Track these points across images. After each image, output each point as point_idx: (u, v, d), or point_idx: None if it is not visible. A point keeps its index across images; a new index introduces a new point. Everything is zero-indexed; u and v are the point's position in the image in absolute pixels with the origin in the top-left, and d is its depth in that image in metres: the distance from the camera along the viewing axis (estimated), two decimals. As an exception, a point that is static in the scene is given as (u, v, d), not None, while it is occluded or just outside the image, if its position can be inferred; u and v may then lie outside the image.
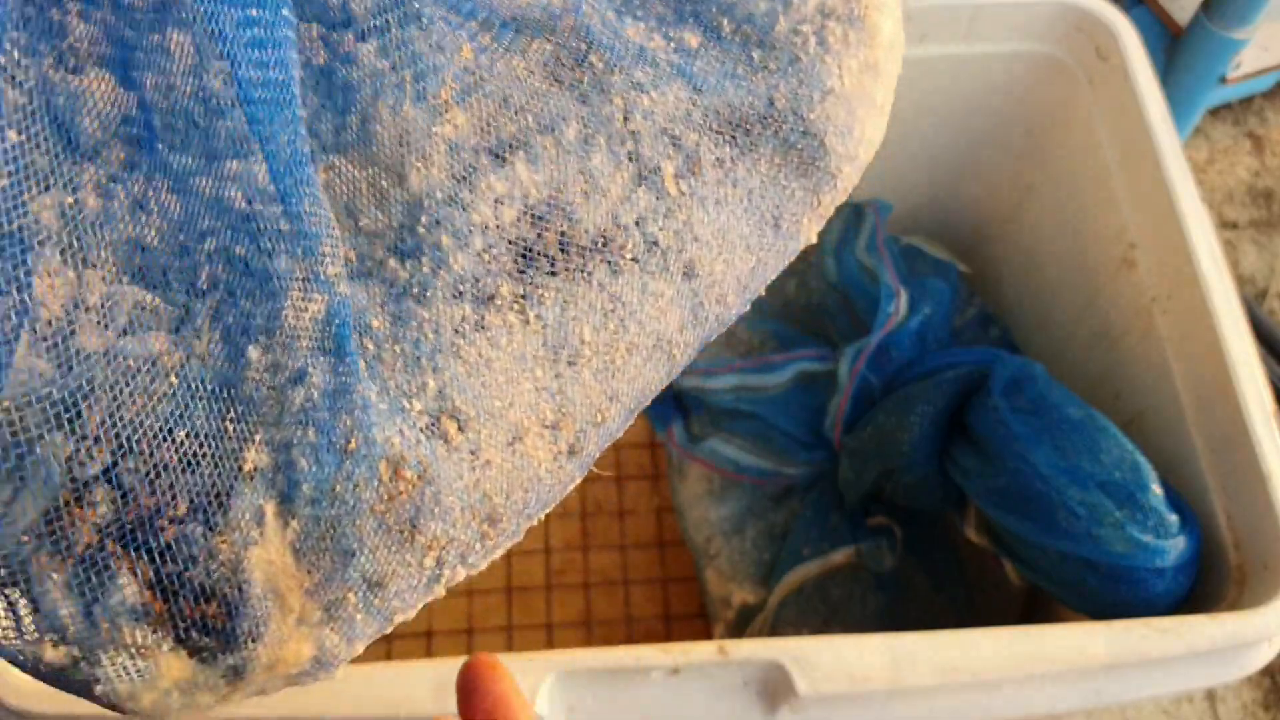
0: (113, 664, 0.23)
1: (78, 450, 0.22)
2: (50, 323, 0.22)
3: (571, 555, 0.94)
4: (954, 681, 0.51)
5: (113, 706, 0.24)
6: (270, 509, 0.24)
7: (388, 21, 0.25)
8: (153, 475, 0.23)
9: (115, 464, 0.22)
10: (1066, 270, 0.85)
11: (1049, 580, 0.69)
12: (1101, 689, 0.54)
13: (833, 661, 0.51)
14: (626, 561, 0.94)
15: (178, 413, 0.23)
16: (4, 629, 0.22)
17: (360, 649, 0.26)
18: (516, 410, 0.27)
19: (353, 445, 0.25)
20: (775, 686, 0.52)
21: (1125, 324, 0.75)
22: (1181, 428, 0.67)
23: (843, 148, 0.31)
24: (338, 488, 0.24)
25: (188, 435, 0.23)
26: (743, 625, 0.82)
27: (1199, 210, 0.68)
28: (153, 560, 0.23)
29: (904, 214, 0.95)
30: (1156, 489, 0.64)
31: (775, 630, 0.79)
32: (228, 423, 0.23)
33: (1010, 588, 0.81)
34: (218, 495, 0.23)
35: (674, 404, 0.90)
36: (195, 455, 0.23)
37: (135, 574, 0.23)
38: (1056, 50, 0.81)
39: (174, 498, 0.23)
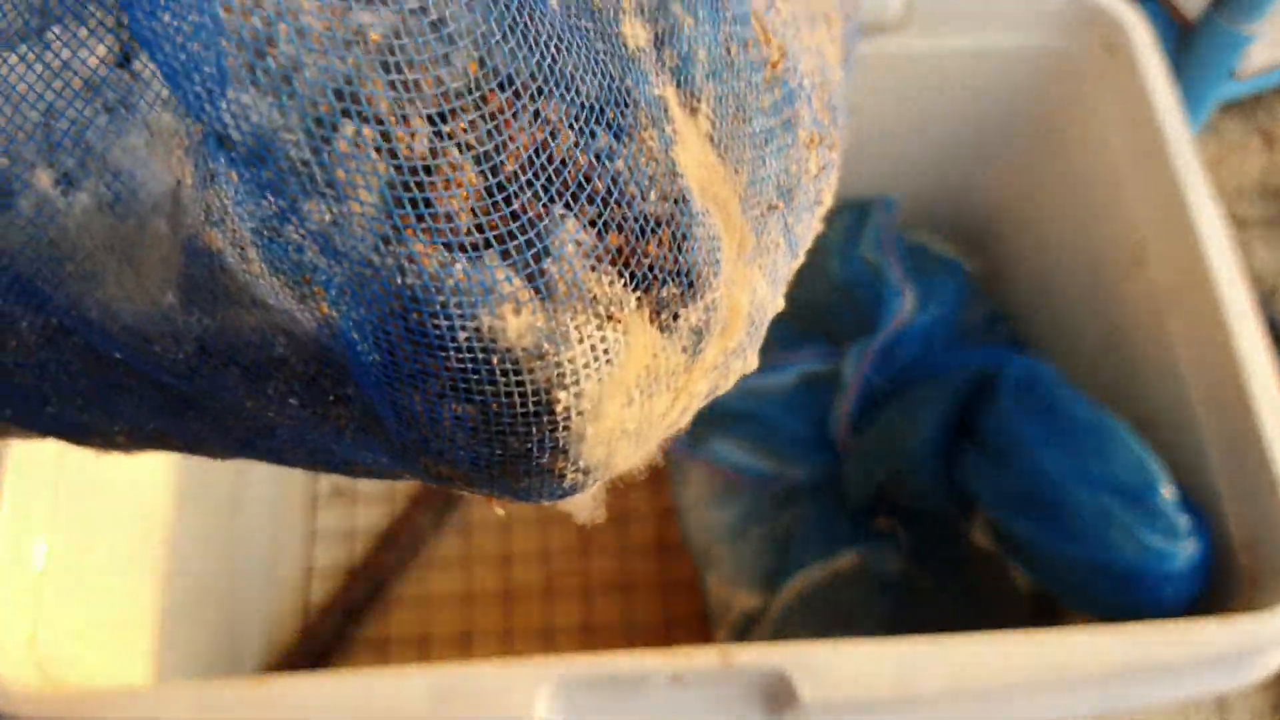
0: (581, 335, 0.19)
1: (383, 131, 0.18)
2: None
3: (571, 560, 0.94)
4: (960, 687, 0.51)
5: (561, 449, 0.20)
6: (671, 95, 0.20)
7: None
8: (515, 116, 0.18)
9: (444, 123, 0.18)
10: (1076, 268, 0.85)
11: (1058, 584, 0.68)
12: (1110, 694, 0.53)
13: (837, 668, 0.50)
14: (626, 566, 0.94)
15: (535, 33, 0.18)
16: (451, 343, 0.18)
17: (781, 305, 0.22)
18: None
19: None
20: (778, 693, 0.51)
21: (1135, 323, 0.75)
22: (1192, 428, 0.66)
23: None
24: (730, 50, 0.21)
25: (560, 44, 0.18)
26: (745, 631, 0.81)
27: (1211, 207, 0.67)
28: (574, 195, 0.19)
29: (910, 210, 0.95)
30: (1167, 491, 0.63)
31: (779, 636, 0.78)
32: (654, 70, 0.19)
33: (1018, 591, 0.80)
34: (614, 91, 0.19)
35: (677, 404, 0.89)
36: (573, 62, 0.19)
37: (566, 214, 0.19)
38: (1066, 44, 0.80)
39: (555, 127, 0.19)
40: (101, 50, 0.18)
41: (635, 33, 0.20)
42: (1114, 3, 0.76)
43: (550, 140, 0.19)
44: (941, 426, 0.76)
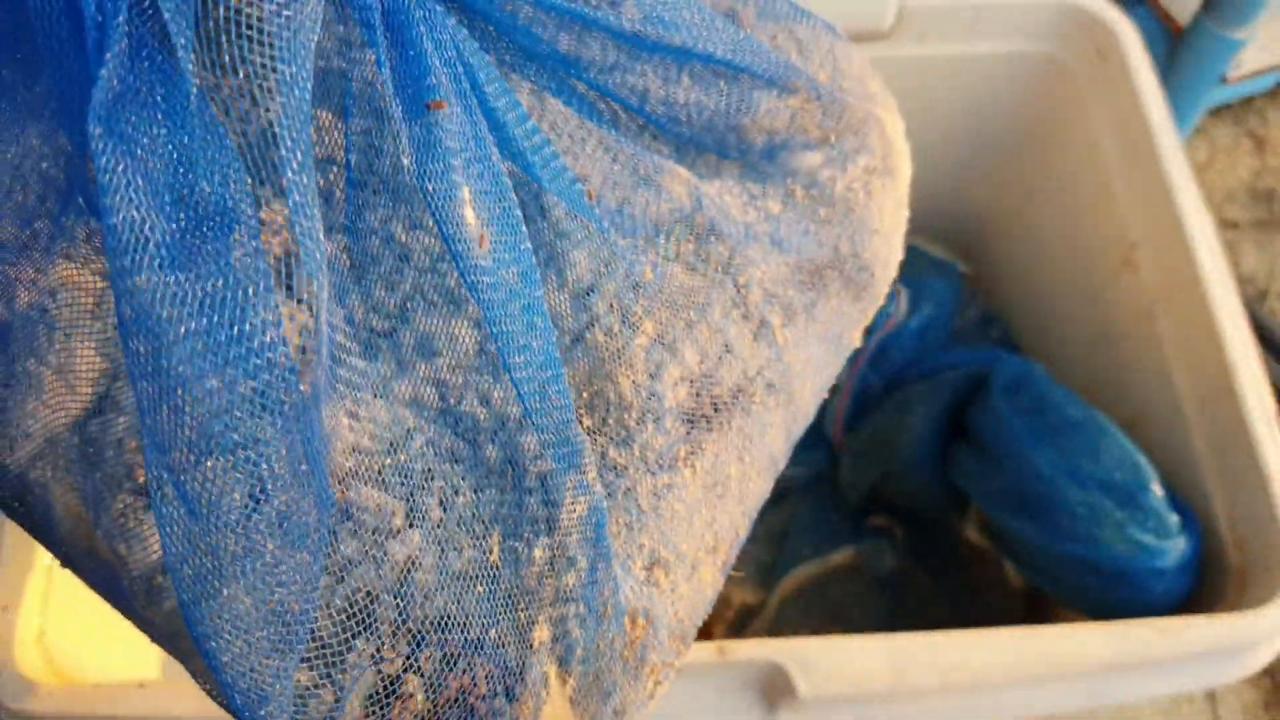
0: None
1: (376, 651, 0.26)
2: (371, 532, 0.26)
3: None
4: (954, 682, 0.51)
5: None
6: (552, 672, 0.29)
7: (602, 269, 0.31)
8: (456, 664, 0.27)
9: (416, 661, 0.26)
10: (1067, 270, 0.85)
11: (1050, 581, 0.69)
12: (1101, 689, 0.54)
13: (833, 662, 0.51)
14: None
15: (483, 615, 0.27)
16: None
17: None
18: (692, 546, 0.33)
19: (608, 610, 0.29)
20: (775, 687, 0.52)
21: (1126, 324, 0.75)
22: (1182, 428, 0.67)
23: (883, 273, 0.39)
24: (600, 645, 0.29)
25: (495, 631, 0.28)
26: (742, 626, 0.82)
27: (1200, 210, 0.67)
28: None
29: (904, 214, 0.95)
30: (1157, 489, 0.64)
31: (775, 631, 0.79)
32: (520, 612, 0.28)
33: (1011, 588, 0.81)
34: (515, 670, 0.28)
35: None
36: (497, 644, 0.28)
37: None
38: (1057, 50, 0.80)
39: (476, 680, 0.27)
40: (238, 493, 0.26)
41: (542, 634, 0.28)
42: (1105, 9, 0.77)
43: (471, 688, 0.27)
44: (934, 426, 0.76)
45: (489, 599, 0.28)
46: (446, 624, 0.27)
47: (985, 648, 0.52)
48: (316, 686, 0.25)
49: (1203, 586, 0.63)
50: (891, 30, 0.79)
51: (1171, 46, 1.06)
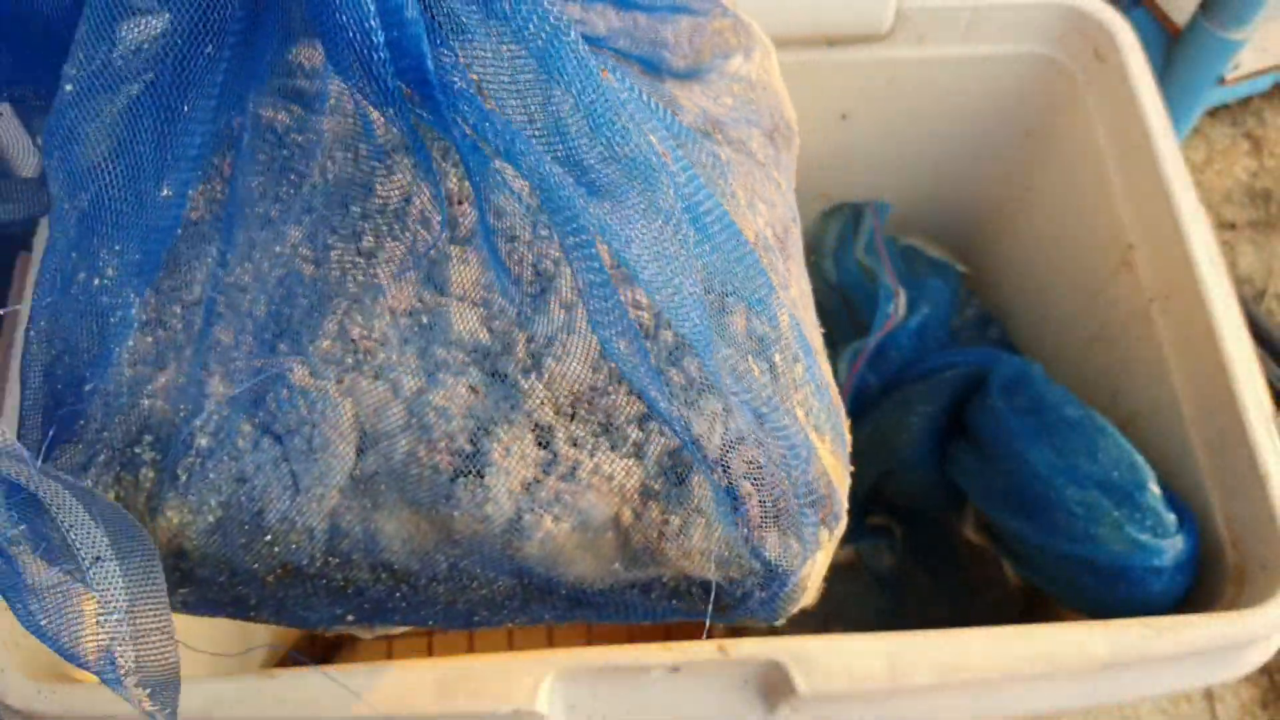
0: (813, 558, 0.39)
1: (713, 477, 0.36)
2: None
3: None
4: (953, 680, 0.51)
5: (786, 583, 0.39)
6: (814, 434, 0.39)
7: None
8: (762, 463, 0.36)
9: (734, 472, 0.36)
10: (1065, 271, 0.86)
11: (1048, 579, 0.69)
12: (1100, 688, 0.54)
13: (832, 660, 0.51)
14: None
15: (756, 420, 0.37)
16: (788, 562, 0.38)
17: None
18: (815, 341, 0.43)
19: (822, 384, 0.41)
20: (775, 685, 0.52)
21: (1123, 324, 0.75)
22: (1179, 428, 0.67)
23: (795, 126, 0.53)
24: (828, 408, 0.41)
25: (773, 424, 0.37)
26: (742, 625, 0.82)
27: (1197, 211, 0.68)
28: (798, 497, 0.37)
29: (903, 214, 0.96)
30: (1154, 488, 0.64)
31: (775, 630, 0.79)
32: (785, 403, 0.38)
33: (1010, 587, 0.81)
34: (800, 443, 0.38)
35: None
36: (779, 432, 0.37)
37: (807, 509, 0.38)
38: (1055, 51, 0.81)
39: (779, 463, 0.37)
40: (529, 448, 0.35)
41: (800, 414, 0.39)
42: (1102, 10, 0.77)
43: (779, 467, 0.37)
44: (933, 425, 0.77)
45: (756, 407, 0.37)
46: (735, 444, 0.36)
47: (983, 646, 0.52)
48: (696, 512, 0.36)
49: (1200, 585, 0.63)
50: (890, 32, 0.79)
51: (1169, 48, 1.07)
